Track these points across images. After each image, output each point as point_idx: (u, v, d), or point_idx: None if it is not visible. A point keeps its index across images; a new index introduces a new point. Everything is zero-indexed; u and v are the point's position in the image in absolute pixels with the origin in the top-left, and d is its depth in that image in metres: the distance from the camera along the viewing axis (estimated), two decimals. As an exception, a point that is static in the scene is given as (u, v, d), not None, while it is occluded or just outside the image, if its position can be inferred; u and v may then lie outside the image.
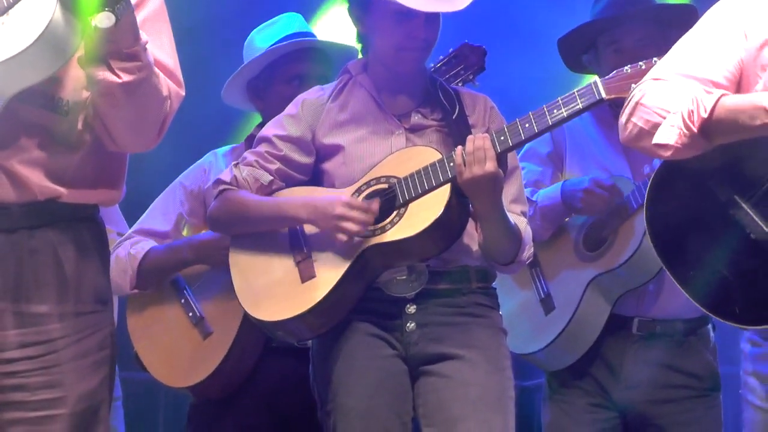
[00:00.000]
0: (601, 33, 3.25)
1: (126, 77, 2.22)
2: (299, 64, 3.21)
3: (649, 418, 3.11)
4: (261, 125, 3.18)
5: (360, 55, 3.05)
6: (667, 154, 2.29)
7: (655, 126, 2.30)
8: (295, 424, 3.10)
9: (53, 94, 2.27)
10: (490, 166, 2.63)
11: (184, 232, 3.32)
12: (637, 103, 2.35)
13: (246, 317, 2.98)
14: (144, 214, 3.35)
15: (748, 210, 2.31)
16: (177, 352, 3.15)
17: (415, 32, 2.80)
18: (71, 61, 2.28)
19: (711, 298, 2.38)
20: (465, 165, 2.64)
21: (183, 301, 3.16)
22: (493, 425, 2.67)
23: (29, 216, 2.25)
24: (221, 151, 3.34)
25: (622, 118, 2.39)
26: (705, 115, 2.20)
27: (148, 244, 3.21)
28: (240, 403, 3.14)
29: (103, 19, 2.12)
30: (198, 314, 3.13)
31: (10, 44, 2.13)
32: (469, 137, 2.71)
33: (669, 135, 2.27)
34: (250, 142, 3.13)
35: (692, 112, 2.22)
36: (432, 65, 3.04)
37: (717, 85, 2.30)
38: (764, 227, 2.29)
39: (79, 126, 2.32)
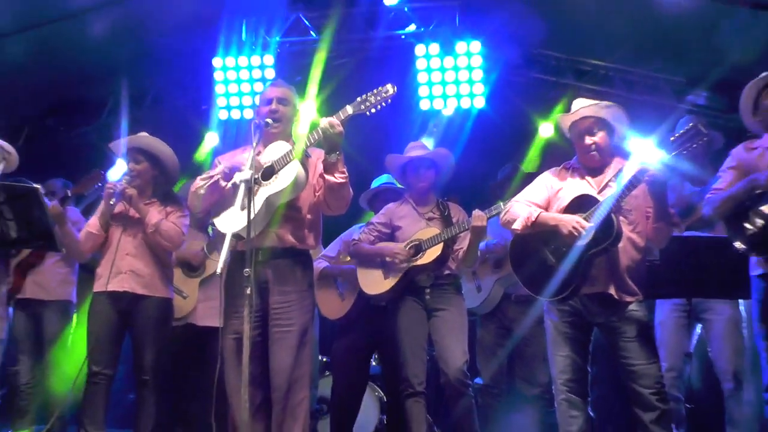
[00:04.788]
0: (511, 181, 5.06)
1: (340, 180, 3.48)
2: (390, 193, 5.23)
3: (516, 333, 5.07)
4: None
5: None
6: (517, 232, 3.76)
7: (514, 220, 3.74)
8: (377, 338, 5.11)
9: (295, 203, 3.68)
10: (485, 222, 4.32)
11: (341, 257, 5.28)
12: (507, 210, 3.82)
13: (358, 295, 5.00)
14: (327, 247, 5.35)
15: (548, 254, 3.62)
16: (331, 305, 5.24)
17: (421, 175, 4.77)
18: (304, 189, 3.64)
19: (531, 286, 3.75)
20: (479, 221, 4.28)
21: (335, 285, 5.24)
22: (460, 339, 4.50)
23: (283, 254, 3.73)
24: (358, 225, 5.27)
25: (501, 214, 3.87)
26: (534, 219, 3.67)
27: (324, 263, 5.27)
28: (353, 326, 5.21)
29: (333, 156, 3.43)
30: (340, 291, 5.23)
31: (278, 185, 3.60)
32: (475, 211, 4.28)
33: (518, 225, 3.71)
34: (370, 224, 5.02)
35: (528, 218, 3.69)
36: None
37: (539, 206, 3.74)
38: (555, 261, 3.59)
39: (305, 217, 3.78)
